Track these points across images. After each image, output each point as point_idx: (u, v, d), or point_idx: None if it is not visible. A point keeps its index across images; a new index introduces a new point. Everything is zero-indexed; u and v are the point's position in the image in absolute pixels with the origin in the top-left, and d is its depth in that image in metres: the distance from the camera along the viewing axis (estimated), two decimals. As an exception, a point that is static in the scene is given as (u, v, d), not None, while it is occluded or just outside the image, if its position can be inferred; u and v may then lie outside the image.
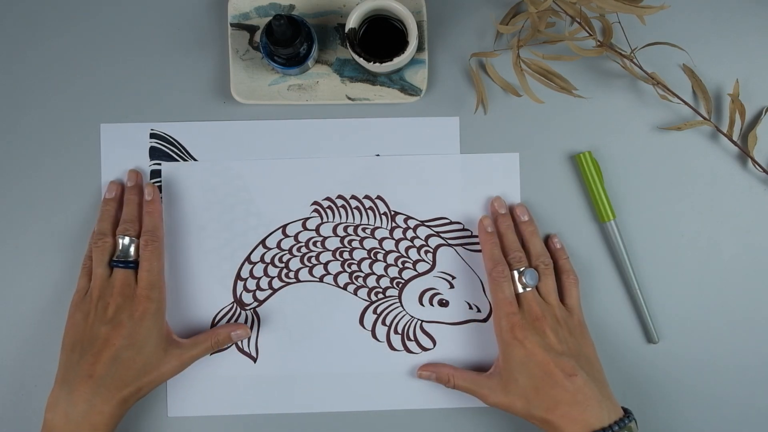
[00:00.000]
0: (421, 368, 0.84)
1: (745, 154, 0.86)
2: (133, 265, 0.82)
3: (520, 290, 0.82)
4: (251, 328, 0.85)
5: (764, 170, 0.86)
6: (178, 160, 0.86)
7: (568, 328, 0.82)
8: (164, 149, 0.86)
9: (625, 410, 0.79)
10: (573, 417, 0.77)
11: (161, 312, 0.81)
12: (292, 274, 0.86)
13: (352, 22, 0.80)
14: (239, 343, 0.85)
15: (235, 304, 0.85)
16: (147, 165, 0.86)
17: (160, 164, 0.86)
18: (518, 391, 0.79)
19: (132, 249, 0.82)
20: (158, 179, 0.86)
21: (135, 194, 0.84)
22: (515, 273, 0.82)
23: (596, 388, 0.78)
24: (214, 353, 0.85)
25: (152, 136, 0.86)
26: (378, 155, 0.86)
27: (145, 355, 0.79)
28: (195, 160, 0.86)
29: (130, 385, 0.78)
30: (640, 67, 0.84)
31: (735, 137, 0.86)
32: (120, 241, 0.82)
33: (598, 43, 0.82)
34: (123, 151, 0.86)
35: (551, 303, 0.82)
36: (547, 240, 0.86)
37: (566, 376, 0.78)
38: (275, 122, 0.86)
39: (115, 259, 0.82)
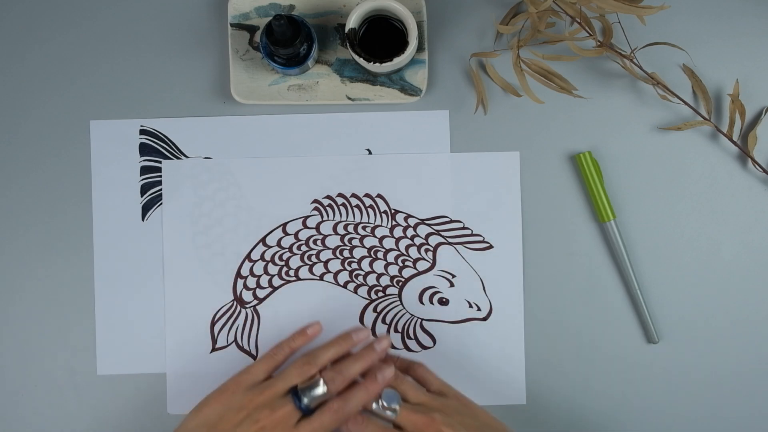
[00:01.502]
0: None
1: (745, 154, 0.86)
2: (309, 412, 0.77)
3: (392, 416, 0.78)
4: (251, 326, 0.86)
5: (764, 170, 0.86)
6: (168, 157, 0.86)
7: (455, 410, 0.78)
8: (154, 146, 0.86)
9: None
10: None
11: None
12: (292, 272, 0.86)
13: (352, 22, 0.80)
14: (239, 340, 0.86)
15: (235, 302, 0.86)
16: (137, 161, 0.86)
17: (149, 161, 0.86)
18: None
19: (320, 398, 0.77)
20: (147, 176, 0.86)
21: (368, 359, 0.79)
22: (375, 406, 0.78)
23: None
24: (213, 351, 0.86)
25: (142, 132, 0.86)
26: (369, 150, 0.86)
27: None
28: (186, 156, 0.86)
29: None
30: (640, 67, 0.84)
31: (735, 137, 0.86)
32: (318, 381, 0.77)
33: (598, 43, 0.83)
34: (113, 148, 0.86)
35: (424, 401, 0.78)
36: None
37: None
38: (265, 117, 0.86)
39: (300, 389, 0.77)
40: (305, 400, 0.76)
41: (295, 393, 0.77)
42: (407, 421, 0.77)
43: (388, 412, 0.77)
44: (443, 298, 0.86)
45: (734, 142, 0.85)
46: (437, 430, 0.76)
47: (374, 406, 0.78)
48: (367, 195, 0.86)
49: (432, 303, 0.86)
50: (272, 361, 0.80)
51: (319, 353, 0.79)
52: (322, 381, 0.77)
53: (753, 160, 0.86)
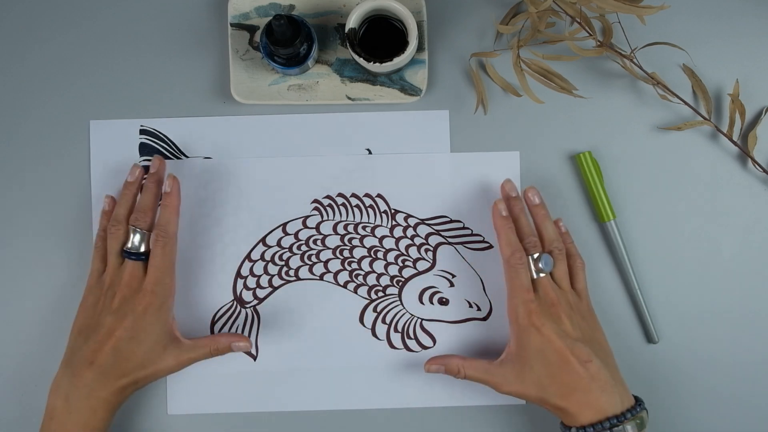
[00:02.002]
0: (428, 362, 0.83)
1: (745, 154, 0.86)
2: (144, 257, 0.81)
3: (535, 276, 0.81)
4: (251, 326, 0.86)
5: (764, 170, 0.86)
6: (168, 157, 0.86)
7: (581, 313, 0.81)
8: (154, 146, 0.86)
9: (636, 398, 0.79)
10: (588, 403, 0.77)
11: (165, 308, 0.81)
12: (292, 272, 0.86)
13: (352, 22, 0.80)
14: (239, 340, 0.86)
15: (235, 302, 0.86)
16: (137, 161, 0.86)
17: (149, 161, 0.86)
18: (533, 379, 0.79)
19: (143, 242, 0.81)
20: (147, 176, 0.86)
21: (154, 183, 0.83)
22: (530, 259, 0.81)
23: (610, 375, 0.78)
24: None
25: (142, 132, 0.86)
26: (369, 150, 0.86)
27: (144, 350, 0.79)
28: (186, 156, 0.86)
29: (128, 376, 0.79)
30: (640, 67, 0.84)
31: (735, 137, 0.86)
32: (131, 233, 0.81)
33: (598, 43, 0.83)
34: (113, 148, 0.86)
35: (564, 288, 0.82)
36: (556, 222, 0.85)
37: (581, 363, 0.78)
38: (265, 117, 0.86)
39: (126, 249, 0.81)
40: (134, 249, 0.81)
41: (123, 253, 0.81)
42: (542, 288, 0.81)
43: (535, 273, 0.81)
44: (443, 298, 0.86)
45: (734, 142, 0.85)
46: (557, 313, 0.80)
47: (531, 259, 0.81)
48: (367, 195, 0.86)
49: (432, 303, 0.86)
50: (98, 251, 0.83)
51: (116, 211, 0.83)
52: (132, 228, 0.81)
53: (753, 160, 0.86)
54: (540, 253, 0.82)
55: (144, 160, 0.86)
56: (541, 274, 0.81)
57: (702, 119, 0.85)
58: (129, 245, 0.81)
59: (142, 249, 0.81)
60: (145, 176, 0.84)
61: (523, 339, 0.79)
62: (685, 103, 0.85)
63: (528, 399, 0.80)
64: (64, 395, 0.78)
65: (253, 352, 0.86)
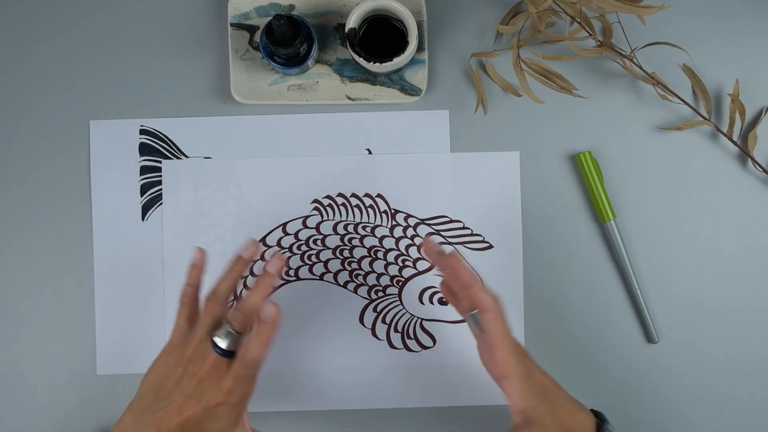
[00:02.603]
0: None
1: (745, 154, 0.86)
2: (229, 355, 0.76)
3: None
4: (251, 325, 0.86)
5: (764, 170, 0.86)
6: (168, 157, 0.86)
7: None
8: (154, 145, 0.86)
9: (595, 413, 0.77)
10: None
11: (240, 407, 0.77)
12: (292, 272, 0.86)
13: (352, 22, 0.80)
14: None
15: (235, 302, 0.86)
16: (137, 161, 0.86)
17: (149, 161, 0.86)
18: None
19: (233, 343, 0.76)
20: (147, 176, 0.86)
21: (268, 284, 0.77)
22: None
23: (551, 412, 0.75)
24: None
25: (142, 132, 0.86)
26: (369, 150, 0.86)
27: None
28: (186, 156, 0.86)
29: None
30: (640, 67, 0.84)
31: (735, 137, 0.86)
32: (223, 325, 0.76)
33: (598, 43, 0.83)
34: (113, 148, 0.86)
35: None
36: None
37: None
38: (266, 117, 0.86)
39: (215, 340, 0.76)
40: (221, 346, 0.76)
41: (212, 340, 0.77)
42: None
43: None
44: (443, 298, 0.86)
45: (734, 142, 0.85)
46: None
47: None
48: (367, 195, 0.86)
49: (432, 303, 0.86)
50: (185, 308, 0.79)
51: (219, 286, 0.78)
52: (226, 324, 0.76)
53: (753, 160, 0.86)
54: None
55: (144, 160, 0.86)
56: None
57: (702, 119, 0.85)
58: (217, 339, 0.76)
59: (228, 349, 0.76)
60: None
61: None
62: (685, 103, 0.85)
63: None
64: None
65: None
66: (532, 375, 0.74)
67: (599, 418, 0.76)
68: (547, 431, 0.73)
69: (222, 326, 0.76)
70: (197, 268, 0.80)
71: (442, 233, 0.86)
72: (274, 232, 0.86)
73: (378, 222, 0.86)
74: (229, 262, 0.78)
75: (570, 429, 0.74)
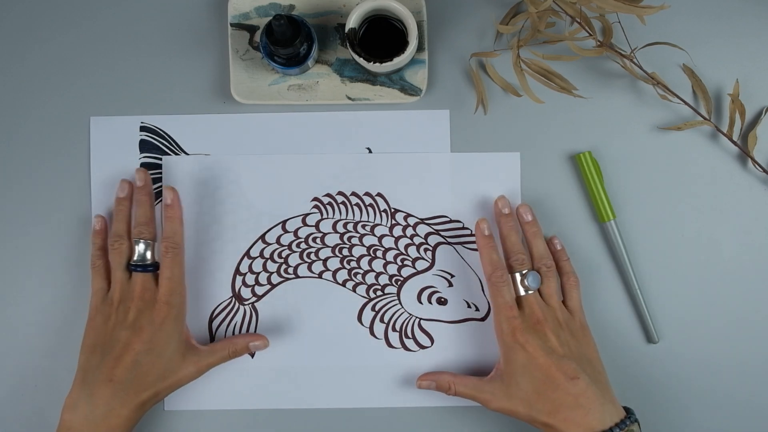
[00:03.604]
0: (420, 378, 0.84)
1: (745, 154, 0.86)
2: (152, 268, 0.82)
3: (522, 293, 0.82)
4: (249, 323, 0.86)
5: (764, 170, 0.86)
6: (168, 154, 0.87)
7: (570, 330, 0.82)
8: (154, 142, 0.87)
9: (627, 410, 0.79)
10: (575, 420, 0.77)
11: (181, 317, 0.82)
12: (291, 270, 0.86)
13: (352, 22, 0.81)
14: (236, 337, 0.87)
15: (233, 299, 0.86)
16: (137, 158, 0.87)
17: (150, 157, 0.86)
18: (520, 395, 0.79)
19: (149, 253, 0.82)
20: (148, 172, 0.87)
21: (146, 195, 0.84)
22: (517, 276, 0.82)
23: (598, 391, 0.78)
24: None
25: (142, 129, 0.87)
26: (369, 149, 0.86)
27: (164, 361, 0.80)
28: (186, 153, 0.87)
29: (149, 390, 0.79)
30: (640, 67, 0.84)
31: (735, 137, 0.85)
32: (136, 246, 0.82)
33: (598, 43, 0.83)
34: (113, 144, 0.87)
35: (553, 305, 0.82)
36: (548, 241, 0.85)
37: (568, 379, 0.78)
38: (266, 115, 0.87)
39: (133, 263, 0.82)
40: (143, 254, 0.82)
41: (130, 267, 0.82)
42: (528, 305, 0.82)
43: (522, 290, 0.82)
44: (442, 297, 0.86)
45: (734, 142, 0.85)
46: (542, 329, 0.80)
47: (518, 276, 0.82)
48: (366, 194, 0.87)
49: (430, 302, 0.86)
50: (98, 269, 0.84)
51: (115, 227, 0.83)
52: (136, 241, 0.82)
53: (753, 160, 0.85)
54: (528, 270, 0.82)
55: (144, 157, 0.87)
56: (529, 291, 0.82)
57: (702, 119, 0.85)
58: (136, 258, 0.82)
59: (150, 260, 0.82)
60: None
61: (509, 356, 0.80)
62: (685, 103, 0.84)
63: (517, 416, 0.80)
64: (82, 415, 0.78)
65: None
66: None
67: (627, 413, 0.79)
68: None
69: (135, 246, 0.82)
70: (99, 234, 0.84)
71: (442, 233, 0.86)
72: (273, 229, 0.87)
73: (377, 221, 0.87)
74: (113, 207, 0.84)
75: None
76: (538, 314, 0.81)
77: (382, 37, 0.84)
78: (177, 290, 0.82)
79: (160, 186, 0.86)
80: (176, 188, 0.85)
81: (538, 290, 0.83)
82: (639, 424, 0.79)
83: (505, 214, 0.85)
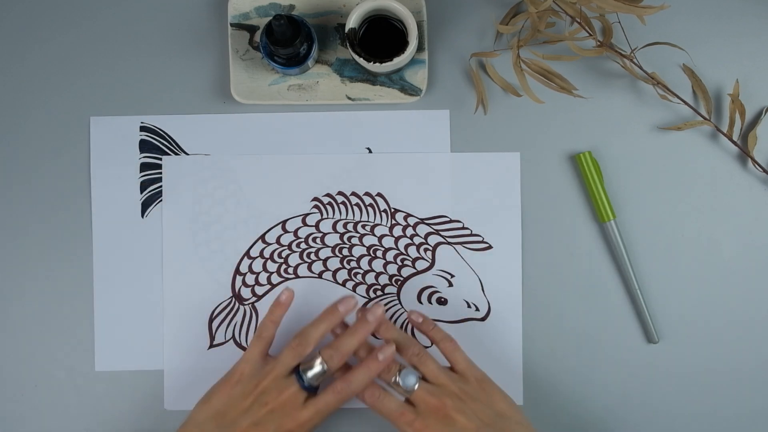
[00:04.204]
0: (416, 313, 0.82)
1: (745, 154, 0.86)
2: (312, 391, 0.79)
3: (404, 396, 0.79)
4: (249, 323, 0.86)
5: (764, 170, 0.86)
6: (168, 154, 0.87)
7: (470, 397, 0.79)
8: (154, 142, 0.87)
9: None
10: None
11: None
12: (291, 270, 0.87)
13: (352, 22, 0.81)
14: (237, 337, 0.86)
15: (233, 299, 0.86)
16: (137, 158, 0.87)
17: (149, 157, 0.86)
18: None
19: (320, 376, 0.79)
20: (147, 173, 0.87)
21: (365, 332, 0.80)
22: (393, 381, 0.79)
23: None
24: (211, 348, 0.86)
25: (142, 129, 0.87)
26: (369, 149, 0.86)
27: None
28: (186, 153, 0.87)
29: None
30: (640, 67, 0.84)
31: (735, 137, 0.85)
32: (316, 361, 0.78)
33: (598, 43, 0.83)
34: (113, 144, 0.87)
35: (443, 383, 0.79)
36: (408, 318, 0.83)
37: None
38: (266, 115, 0.87)
39: (301, 371, 0.78)
40: (307, 380, 0.78)
41: (297, 373, 0.78)
42: (420, 401, 0.78)
43: (403, 392, 0.79)
44: (442, 297, 0.86)
45: (734, 142, 0.85)
46: (447, 415, 0.77)
47: (393, 379, 0.79)
48: (366, 194, 0.87)
49: (430, 302, 0.86)
50: (263, 341, 0.81)
51: (309, 331, 0.80)
52: (320, 359, 0.78)
53: (753, 160, 0.85)
54: (397, 371, 0.79)
55: (144, 157, 0.87)
56: (412, 390, 0.78)
57: (702, 119, 0.85)
58: (307, 371, 0.78)
59: (316, 383, 0.79)
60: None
61: None
62: (685, 103, 0.84)
63: None
64: None
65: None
66: None
67: None
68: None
69: (315, 362, 0.78)
70: (282, 307, 0.82)
71: (442, 233, 0.86)
72: (273, 229, 0.87)
73: (377, 221, 0.87)
74: (324, 310, 0.81)
75: None
76: (433, 403, 0.77)
77: (382, 37, 0.84)
78: (324, 414, 0.78)
79: (160, 186, 0.87)
80: (177, 190, 0.85)
81: (422, 377, 0.79)
82: None
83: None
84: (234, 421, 0.77)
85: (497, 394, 0.80)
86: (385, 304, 0.86)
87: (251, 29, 0.86)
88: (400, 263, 0.86)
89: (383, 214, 0.87)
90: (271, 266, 0.86)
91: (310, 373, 0.78)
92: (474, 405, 0.78)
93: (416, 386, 0.78)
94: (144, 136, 0.87)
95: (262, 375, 0.79)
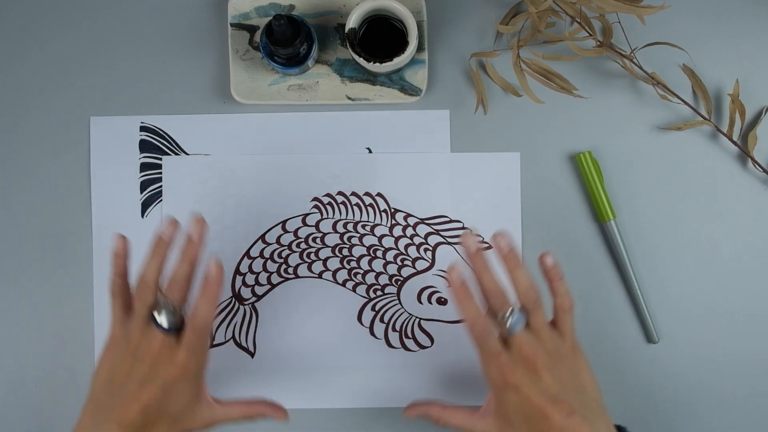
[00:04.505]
0: (407, 409, 0.80)
1: (745, 154, 0.86)
2: (175, 332, 0.76)
3: (507, 335, 0.76)
4: (249, 323, 0.86)
5: (764, 170, 0.86)
6: (168, 154, 0.87)
7: (561, 358, 0.77)
8: (154, 142, 0.87)
9: (620, 429, 0.77)
10: None
11: (198, 378, 0.77)
12: (291, 270, 0.87)
13: (352, 22, 0.81)
14: (237, 337, 0.86)
15: (233, 299, 0.86)
16: (137, 158, 0.87)
17: (149, 157, 0.87)
18: None
19: (174, 318, 0.76)
20: (147, 173, 0.87)
21: (194, 254, 0.77)
22: (500, 316, 0.75)
23: (593, 424, 0.75)
24: (211, 348, 0.86)
25: (142, 129, 0.87)
26: (369, 149, 0.87)
27: (173, 413, 0.76)
28: (186, 153, 0.87)
29: None
30: (640, 67, 0.84)
31: (735, 137, 0.85)
32: (161, 305, 0.76)
33: (598, 43, 0.83)
34: (113, 144, 0.87)
35: (543, 337, 0.76)
36: (540, 258, 0.79)
37: (564, 418, 0.74)
38: (266, 115, 0.87)
39: (157, 321, 0.75)
40: (162, 323, 0.76)
41: (153, 320, 0.76)
42: (516, 346, 0.75)
43: (507, 331, 0.75)
44: (442, 297, 0.86)
45: (734, 142, 0.85)
46: (535, 369, 0.75)
47: (502, 316, 0.75)
48: (366, 194, 0.87)
49: (430, 302, 0.86)
50: (119, 299, 0.78)
51: (145, 273, 0.77)
52: (162, 299, 0.76)
53: (753, 160, 0.85)
54: (510, 309, 0.75)
55: (144, 157, 0.87)
56: (515, 331, 0.75)
57: (702, 119, 0.85)
58: (159, 320, 0.76)
59: (174, 324, 0.76)
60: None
61: (501, 397, 0.75)
62: (685, 103, 0.84)
63: None
64: None
65: (251, 349, 0.86)
66: None
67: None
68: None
69: (160, 305, 0.76)
70: (120, 257, 0.78)
71: (442, 233, 0.86)
72: (273, 229, 0.87)
73: (377, 221, 0.87)
74: (150, 245, 0.77)
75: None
76: (527, 352, 0.74)
77: (382, 37, 0.84)
78: (197, 357, 0.76)
79: (160, 186, 0.87)
80: (176, 190, 0.84)
81: (527, 323, 0.77)
82: None
83: (473, 252, 0.76)
84: (123, 385, 0.76)
85: (585, 367, 0.78)
86: (385, 304, 0.86)
87: (251, 29, 0.86)
88: (400, 263, 0.86)
89: (383, 214, 0.87)
90: (271, 266, 0.86)
91: (161, 316, 0.76)
92: (562, 368, 0.76)
93: (519, 331, 0.75)
94: (144, 136, 0.87)
95: (130, 332, 0.77)
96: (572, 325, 0.78)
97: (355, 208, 0.87)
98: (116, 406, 0.75)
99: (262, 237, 0.87)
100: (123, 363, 0.77)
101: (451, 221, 0.87)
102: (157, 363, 0.76)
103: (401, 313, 0.86)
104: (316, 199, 0.87)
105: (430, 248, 0.86)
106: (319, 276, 0.86)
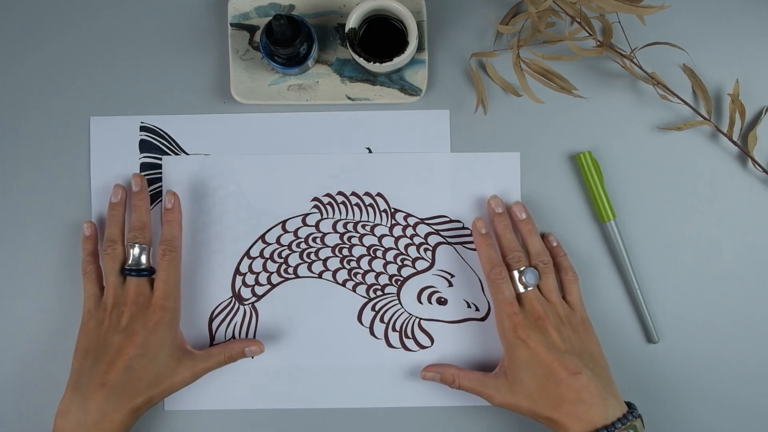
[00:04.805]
0: (425, 369, 0.84)
1: (745, 154, 0.86)
2: (147, 272, 0.82)
3: (521, 290, 0.82)
4: (249, 323, 0.86)
5: (764, 170, 0.86)
6: (168, 154, 0.87)
7: (571, 325, 0.82)
8: (154, 142, 0.87)
9: (629, 405, 0.79)
10: (577, 415, 0.77)
11: (175, 322, 0.82)
12: (291, 270, 0.87)
13: (352, 22, 0.81)
14: (237, 337, 0.86)
15: (233, 299, 0.86)
16: (137, 158, 0.87)
17: (149, 157, 0.86)
18: (524, 391, 0.79)
19: (143, 257, 0.82)
20: (147, 173, 0.86)
21: (142, 200, 0.84)
22: (515, 273, 0.82)
23: (600, 386, 0.78)
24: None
25: (142, 129, 0.87)
26: (369, 149, 0.86)
27: (158, 365, 0.80)
28: (186, 153, 0.87)
29: (142, 395, 0.79)
30: (640, 67, 0.84)
31: (735, 137, 0.85)
32: (131, 250, 0.82)
33: (598, 43, 0.83)
34: (112, 144, 0.87)
35: (553, 301, 0.83)
36: (543, 238, 0.85)
37: (570, 375, 0.78)
38: (266, 115, 0.87)
39: (127, 267, 0.82)
40: (135, 266, 0.82)
41: (124, 271, 0.82)
42: (528, 302, 0.82)
43: (521, 287, 0.82)
44: (442, 297, 0.86)
45: (734, 142, 0.85)
46: (543, 326, 0.81)
47: (516, 274, 0.82)
48: (366, 194, 0.87)
49: (430, 302, 0.86)
50: (90, 275, 0.84)
51: (108, 232, 0.83)
52: (130, 245, 0.82)
53: (753, 160, 0.85)
54: (525, 267, 0.82)
55: (144, 157, 0.87)
56: (528, 288, 0.82)
57: (702, 119, 0.85)
58: (130, 262, 0.82)
59: (144, 264, 0.82)
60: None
61: (512, 352, 0.80)
62: (685, 103, 0.84)
63: (520, 411, 0.80)
64: (75, 420, 0.78)
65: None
66: None
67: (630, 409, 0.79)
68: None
69: (128, 250, 0.82)
70: (90, 239, 0.84)
71: (442, 233, 0.86)
72: (273, 229, 0.87)
73: (377, 221, 0.87)
74: (107, 213, 0.84)
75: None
76: (538, 310, 0.81)
77: (382, 37, 0.84)
78: (172, 294, 0.81)
79: (160, 186, 0.87)
80: (176, 190, 0.85)
81: (538, 286, 0.83)
82: (642, 420, 0.79)
83: (499, 213, 0.85)
84: (105, 346, 0.79)
85: (594, 338, 0.83)
86: (385, 304, 0.86)
87: (251, 29, 0.86)
88: (400, 263, 0.86)
89: (383, 214, 0.87)
90: (271, 266, 0.86)
91: (133, 261, 0.82)
92: (572, 334, 0.82)
93: (532, 288, 0.82)
94: (144, 136, 0.87)
95: (105, 299, 0.82)
96: (580, 296, 0.84)
97: (355, 208, 0.87)
98: (98, 368, 0.78)
99: (262, 237, 0.87)
100: (100, 328, 0.81)
101: (451, 221, 0.87)
102: (136, 311, 0.80)
103: (401, 313, 0.86)
104: (316, 199, 0.87)
105: (430, 248, 0.86)
106: (319, 276, 0.86)
